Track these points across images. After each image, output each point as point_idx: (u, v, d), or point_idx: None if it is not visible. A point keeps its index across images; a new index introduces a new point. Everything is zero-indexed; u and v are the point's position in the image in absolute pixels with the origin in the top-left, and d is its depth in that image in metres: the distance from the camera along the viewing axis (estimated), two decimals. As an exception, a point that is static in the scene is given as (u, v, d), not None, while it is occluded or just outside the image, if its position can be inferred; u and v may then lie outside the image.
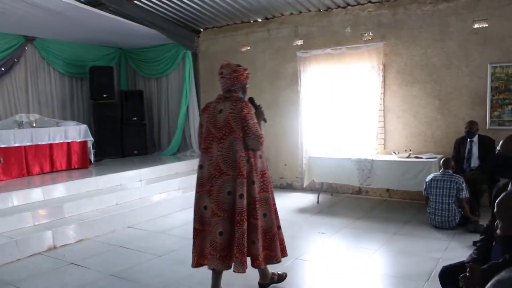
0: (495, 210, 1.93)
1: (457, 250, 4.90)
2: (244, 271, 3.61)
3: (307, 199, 7.73)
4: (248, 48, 8.90)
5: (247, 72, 3.91)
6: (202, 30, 9.51)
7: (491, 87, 6.70)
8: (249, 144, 3.62)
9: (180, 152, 9.69)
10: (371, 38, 7.54)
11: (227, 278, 3.96)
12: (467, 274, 2.34)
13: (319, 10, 8.01)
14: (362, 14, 7.61)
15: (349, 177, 7.01)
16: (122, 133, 9.61)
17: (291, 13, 8.28)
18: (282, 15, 8.38)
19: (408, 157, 6.81)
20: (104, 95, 9.31)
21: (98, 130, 9.14)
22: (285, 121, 8.56)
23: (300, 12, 8.17)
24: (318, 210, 7.00)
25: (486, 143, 6.23)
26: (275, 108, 8.63)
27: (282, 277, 4.14)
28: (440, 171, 5.88)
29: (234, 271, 3.65)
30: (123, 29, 8.22)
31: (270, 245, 3.80)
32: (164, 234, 5.90)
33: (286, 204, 7.40)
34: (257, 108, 3.97)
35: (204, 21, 8.96)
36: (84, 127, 8.12)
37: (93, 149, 8.33)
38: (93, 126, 9.13)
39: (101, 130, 9.18)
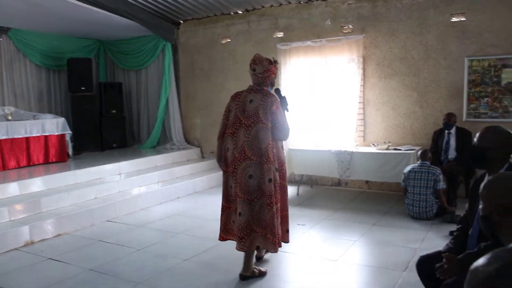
0: (480, 192, 1.96)
1: (434, 240, 4.98)
2: (276, 251, 3.93)
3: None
4: (228, 40, 8.85)
5: (276, 67, 4.17)
6: (182, 22, 9.43)
7: (468, 80, 6.80)
8: (278, 135, 3.94)
9: (159, 145, 9.63)
10: (351, 31, 7.57)
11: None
12: (443, 263, 2.38)
13: (299, 3, 8.01)
14: (342, 7, 7.63)
15: (328, 169, 7.06)
16: (101, 126, 9.49)
17: (272, 5, 8.25)
18: (263, 7, 8.35)
19: (387, 149, 6.88)
20: (83, 88, 9.18)
21: (77, 123, 9.00)
22: (266, 114, 8.54)
23: (281, 4, 8.16)
24: (298, 202, 7.03)
25: (463, 135, 6.33)
26: (256, 100, 8.61)
27: (262, 273, 4.21)
28: (418, 162, 5.96)
29: (268, 251, 4.04)
30: (102, 20, 8.10)
31: (281, 226, 4.08)
32: (144, 227, 5.86)
33: (267, 196, 7.42)
34: (282, 99, 4.18)
35: (184, 12, 8.88)
36: (62, 120, 8.00)
37: (71, 142, 8.20)
38: (71, 119, 8.98)
39: (80, 123, 9.05)
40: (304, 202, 7.03)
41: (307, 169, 7.41)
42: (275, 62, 4.17)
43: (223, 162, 4.13)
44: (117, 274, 4.28)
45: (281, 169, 4.09)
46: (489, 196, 1.89)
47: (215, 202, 7.08)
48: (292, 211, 6.44)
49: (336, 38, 7.61)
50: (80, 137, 8.94)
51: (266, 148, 3.85)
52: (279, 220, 3.98)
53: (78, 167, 7.32)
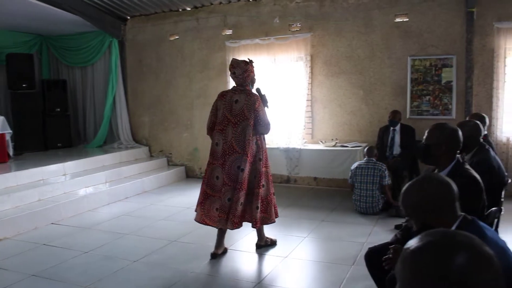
0: (400, 201, 2.07)
1: (380, 234, 5.12)
2: (232, 228, 4.48)
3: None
4: (177, 37, 8.75)
5: (253, 66, 4.60)
6: (129, 18, 9.21)
7: (411, 79, 7.04)
8: (260, 130, 4.49)
9: (106, 144, 9.39)
10: (299, 29, 7.66)
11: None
12: (390, 255, 2.45)
13: (248, 0, 8.02)
14: (291, 5, 7.70)
15: (277, 166, 7.11)
16: (45, 125, 9.14)
17: (220, 2, 8.22)
18: (211, 4, 8.30)
19: (334, 146, 7.02)
20: (24, 85, 8.81)
21: (18, 122, 8.62)
22: (215, 112, 8.52)
23: (229, 1, 8.14)
24: (249, 199, 7.04)
25: (407, 132, 6.54)
26: (204, 98, 8.57)
27: (274, 242, 4.91)
28: (364, 159, 6.11)
29: (226, 227, 4.48)
30: (43, 14, 7.79)
31: (266, 209, 4.64)
32: (90, 229, 5.70)
33: (217, 194, 7.40)
34: (262, 97, 4.63)
35: (131, 8, 8.67)
36: (1, 118, 7.62)
37: (11, 142, 7.83)
38: (12, 118, 8.58)
39: (21, 122, 8.67)
40: (254, 199, 7.05)
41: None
42: (251, 61, 4.60)
43: (210, 155, 4.60)
44: (63, 279, 4.13)
45: (265, 156, 4.64)
46: (411, 208, 2.03)
47: (164, 202, 7.01)
48: (242, 209, 6.45)
49: (284, 36, 7.69)
50: (22, 137, 8.56)
51: (248, 142, 4.41)
52: (260, 205, 4.54)
53: (19, 168, 7.00)
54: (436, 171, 2.94)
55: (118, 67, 9.19)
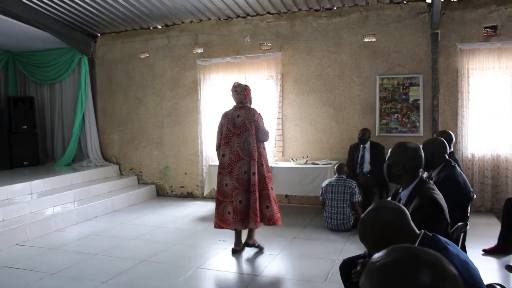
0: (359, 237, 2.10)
1: (352, 251, 5.13)
2: (257, 227, 5.04)
3: (208, 207, 7.71)
4: (148, 55, 8.72)
5: (250, 88, 5.34)
6: (99, 35, 9.14)
7: (380, 97, 7.19)
8: (261, 138, 5.13)
9: (75, 162, 9.21)
10: (270, 48, 7.75)
11: None
12: (358, 268, 2.47)
13: (219, 19, 8.08)
14: (261, 25, 7.80)
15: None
16: (10, 142, 8.90)
17: (192, 21, 8.25)
18: (183, 22, 8.32)
19: (305, 163, 7.07)
20: (-12, 102, 8.59)
21: (-19, 139, 8.39)
22: (185, 129, 8.50)
23: (201, 20, 8.18)
24: (220, 218, 7.00)
25: (376, 149, 6.66)
26: (175, 116, 8.55)
27: (261, 247, 5.30)
28: (335, 176, 6.17)
29: (250, 227, 5.05)
30: (11, 30, 7.64)
31: (274, 209, 5.19)
32: (58, 250, 5.54)
33: (187, 213, 7.34)
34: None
35: (101, 25, 8.62)
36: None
37: (-25, 160, 7.61)
38: (-25, 136, 8.35)
39: (-15, 140, 8.44)
40: (225, 217, 7.01)
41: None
42: (247, 86, 5.33)
43: (219, 166, 5.23)
44: (28, 301, 4.00)
45: (266, 163, 5.22)
46: (361, 237, 2.07)
47: (134, 221, 6.90)
48: (213, 227, 6.44)
49: (255, 55, 7.76)
50: (-14, 155, 8.32)
51: (253, 149, 5.02)
52: (273, 204, 5.16)
53: (-17, 187, 6.79)
54: (400, 189, 3.00)
55: (87, 85, 9.07)
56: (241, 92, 5.20)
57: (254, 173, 4.99)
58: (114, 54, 9.07)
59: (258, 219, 4.99)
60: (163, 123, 8.70)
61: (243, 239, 5.26)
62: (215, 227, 5.26)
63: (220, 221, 5.18)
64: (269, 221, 5.13)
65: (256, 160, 5.05)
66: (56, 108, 9.56)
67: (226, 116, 5.24)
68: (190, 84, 8.39)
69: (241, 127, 5.09)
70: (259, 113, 5.17)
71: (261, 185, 5.07)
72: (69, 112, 9.39)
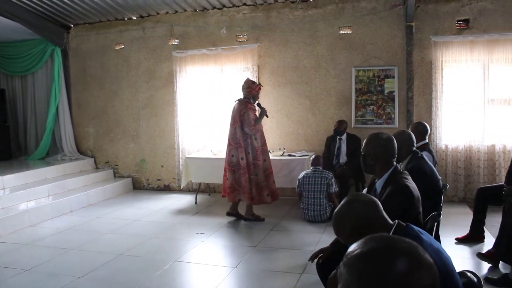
0: (334, 230, 2.14)
1: (329, 242, 5.18)
2: (248, 203, 6.12)
3: (185, 200, 7.69)
4: (122, 46, 8.60)
5: (259, 86, 6.19)
6: (72, 26, 8.96)
7: (355, 89, 7.25)
8: (245, 130, 5.93)
9: (49, 156, 9.04)
10: (246, 40, 7.73)
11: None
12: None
13: (195, 10, 8.01)
14: (237, 16, 7.76)
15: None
16: (-19, 136, 8.70)
17: (167, 12, 8.16)
18: (158, 13, 8.22)
19: (282, 155, 7.10)
20: (-43, 95, 8.35)
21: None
22: (161, 122, 8.44)
23: (176, 11, 8.09)
24: (196, 210, 7.00)
25: (353, 141, 6.73)
26: (151, 108, 8.47)
27: (240, 217, 6.29)
28: (311, 168, 6.21)
29: (230, 200, 6.19)
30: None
31: (260, 192, 6.11)
32: (32, 245, 5.45)
33: (164, 206, 7.31)
34: (262, 109, 6.09)
35: (74, 16, 8.45)
36: None
37: None
38: None
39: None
40: (202, 210, 7.01)
41: (205, 177, 7.41)
42: (259, 84, 6.22)
43: None
44: (2, 298, 3.94)
45: (255, 153, 6.02)
46: (336, 231, 2.09)
47: (110, 215, 6.84)
48: (190, 220, 6.47)
49: (231, 46, 7.73)
50: (-44, 149, 8.11)
51: (239, 139, 5.96)
52: (254, 188, 6.05)
53: (-47, 182, 6.63)
54: (376, 179, 3.06)
55: (61, 77, 8.90)
56: (245, 89, 6.06)
57: (242, 158, 5.95)
58: (88, 45, 8.91)
59: (248, 196, 6.00)
60: (139, 115, 8.61)
61: (180, 253, 5.25)
62: (222, 195, 6.40)
63: (224, 191, 6.29)
64: (251, 199, 6.06)
65: (244, 147, 5.95)
66: (29, 100, 9.35)
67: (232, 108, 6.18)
68: (166, 76, 8.31)
69: (232, 119, 6.06)
70: (251, 107, 5.99)
71: (250, 170, 5.97)
72: (42, 105, 9.21)
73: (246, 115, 5.89)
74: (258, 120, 6.02)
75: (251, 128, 5.91)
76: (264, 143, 6.21)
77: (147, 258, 4.88)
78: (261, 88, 6.33)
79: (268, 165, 6.21)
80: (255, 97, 6.11)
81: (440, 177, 4.03)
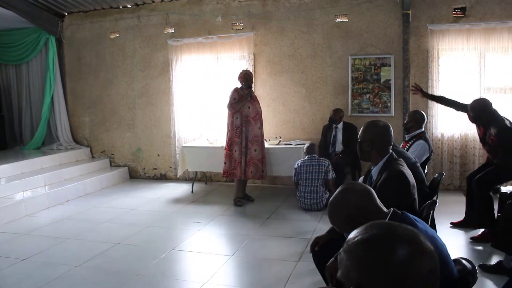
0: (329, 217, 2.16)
1: (325, 230, 5.21)
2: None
3: (182, 189, 7.70)
4: (117, 35, 8.54)
5: (243, 73, 6.44)
6: (66, 14, 8.88)
7: (352, 77, 7.24)
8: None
9: (45, 146, 9.00)
10: (242, 28, 7.69)
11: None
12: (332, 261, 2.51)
13: (190, -2, 7.95)
14: (233, 4, 7.71)
15: (222, 165, 7.08)
16: (-25, 126, 8.64)
17: (162, 0, 8.10)
18: (153, 1, 8.16)
19: (279, 143, 7.10)
20: (-49, 84, 8.28)
21: None
22: (157, 111, 8.41)
23: (171, -1, 8.04)
24: (193, 199, 7.01)
25: (349, 129, 6.73)
26: (147, 97, 8.44)
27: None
28: (307, 156, 6.22)
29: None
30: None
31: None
32: (28, 235, 5.44)
33: (161, 194, 7.31)
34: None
35: (68, 4, 8.35)
36: None
37: None
38: None
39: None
40: (199, 199, 7.03)
41: (201, 166, 7.41)
42: (245, 71, 6.51)
43: None
44: (-2, 288, 3.94)
45: (229, 131, 6.40)
46: (331, 218, 2.15)
47: (107, 204, 6.84)
48: (187, 209, 6.48)
49: (227, 35, 7.69)
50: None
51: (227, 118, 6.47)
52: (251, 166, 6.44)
53: None
54: (372, 167, 3.07)
55: (55, 66, 8.83)
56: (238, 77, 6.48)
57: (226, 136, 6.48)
58: (82, 34, 8.84)
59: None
60: (135, 104, 8.58)
61: (178, 241, 5.43)
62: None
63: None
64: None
65: (227, 126, 6.45)
66: (23, 90, 9.28)
67: None
68: (162, 64, 8.27)
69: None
70: (237, 91, 6.35)
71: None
72: (37, 94, 9.14)
73: (229, 98, 6.37)
74: (239, 102, 6.32)
75: (228, 107, 6.33)
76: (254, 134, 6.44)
77: (144, 247, 4.89)
78: (248, 75, 6.44)
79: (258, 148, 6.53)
80: (241, 83, 6.42)
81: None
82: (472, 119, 4.86)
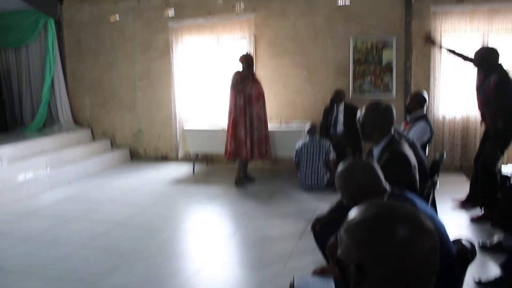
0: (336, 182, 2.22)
1: (326, 209, 5.24)
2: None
3: (183, 170, 7.72)
4: (117, 18, 8.46)
5: (243, 56, 6.39)
6: (65, -4, 8.81)
7: (353, 59, 7.20)
8: None
9: (46, 127, 8.98)
10: (243, 9, 7.62)
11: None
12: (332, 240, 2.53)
13: (191, -21, 7.88)
14: (234, -15, 7.64)
15: (223, 146, 7.08)
16: (-24, 109, 8.61)
17: (162, -19, 8.03)
18: (152, -18, 8.09)
19: (280, 125, 7.10)
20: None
21: None
22: (158, 92, 8.39)
23: (171, -20, 7.96)
24: (194, 180, 7.04)
25: (350, 111, 6.71)
26: (147, 79, 8.41)
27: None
28: (308, 138, 6.23)
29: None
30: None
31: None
32: (31, 216, 5.46)
33: (162, 175, 7.33)
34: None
35: (67, -14, 8.29)
36: None
37: None
38: None
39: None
40: (200, 179, 7.05)
41: (202, 147, 7.42)
42: (244, 54, 6.44)
43: None
44: (1, 269, 3.94)
45: (230, 112, 6.42)
46: (345, 188, 2.21)
47: (108, 184, 6.87)
48: (188, 190, 6.51)
49: (228, 16, 7.63)
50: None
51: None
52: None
53: (-50, 153, 6.60)
54: (373, 147, 3.08)
55: (55, 48, 8.78)
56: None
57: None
58: (82, 16, 8.77)
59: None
60: (136, 86, 8.56)
61: (178, 222, 5.50)
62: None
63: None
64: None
65: (229, 107, 6.44)
66: (23, 72, 9.22)
67: None
68: (162, 46, 8.22)
69: None
70: (235, 72, 6.31)
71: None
72: (37, 77, 9.10)
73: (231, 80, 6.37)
74: (241, 83, 6.33)
75: (231, 88, 6.33)
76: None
77: (146, 227, 4.92)
78: (248, 57, 6.41)
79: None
80: (244, 65, 6.36)
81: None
82: (476, 62, 4.79)
